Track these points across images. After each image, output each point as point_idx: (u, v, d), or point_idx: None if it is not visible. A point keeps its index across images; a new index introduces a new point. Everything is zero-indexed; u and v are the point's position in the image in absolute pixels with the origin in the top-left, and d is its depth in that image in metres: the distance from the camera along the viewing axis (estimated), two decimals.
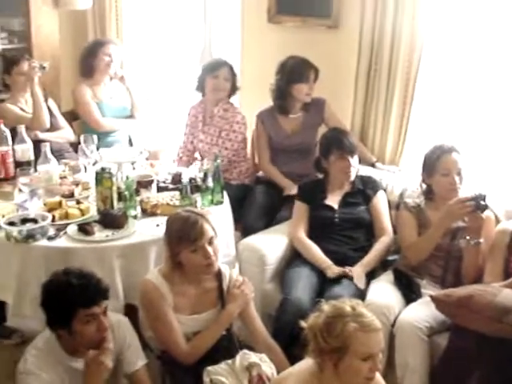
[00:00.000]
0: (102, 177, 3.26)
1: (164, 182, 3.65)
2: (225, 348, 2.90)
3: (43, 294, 2.56)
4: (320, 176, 3.85)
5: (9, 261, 3.03)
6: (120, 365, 2.72)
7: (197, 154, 4.47)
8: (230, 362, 2.77)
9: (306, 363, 2.46)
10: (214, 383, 2.69)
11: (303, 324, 2.40)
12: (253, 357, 2.79)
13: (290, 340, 3.08)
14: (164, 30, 5.35)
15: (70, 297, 2.48)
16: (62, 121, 4.53)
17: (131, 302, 3.07)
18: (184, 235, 2.78)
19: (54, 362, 2.57)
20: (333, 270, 3.39)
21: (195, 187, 3.46)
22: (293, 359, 2.77)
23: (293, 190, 3.95)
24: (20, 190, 3.50)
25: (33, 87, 4.22)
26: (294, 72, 4.10)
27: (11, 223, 3.07)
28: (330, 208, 3.64)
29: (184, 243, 2.79)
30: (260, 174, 4.44)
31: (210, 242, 2.81)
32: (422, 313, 3.01)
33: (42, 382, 2.49)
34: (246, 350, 2.84)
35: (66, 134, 4.53)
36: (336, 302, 2.39)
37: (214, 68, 4.30)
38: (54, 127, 4.40)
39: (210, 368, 2.72)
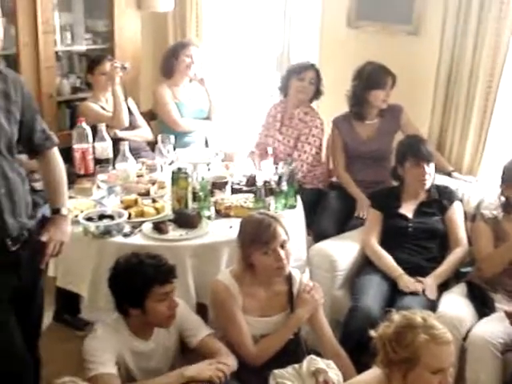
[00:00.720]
0: (178, 177, 3.30)
1: (238, 184, 3.67)
2: (292, 352, 2.91)
3: (115, 276, 2.67)
4: (395, 184, 3.80)
5: (85, 255, 3.12)
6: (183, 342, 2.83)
7: (269, 151, 4.45)
8: (296, 366, 2.76)
9: (374, 373, 2.44)
10: None
11: (372, 333, 2.37)
12: (320, 363, 2.78)
13: (357, 347, 3.04)
14: (243, 32, 5.38)
15: (145, 276, 2.60)
16: (140, 120, 4.63)
17: (202, 301, 3.11)
18: (257, 237, 2.81)
19: (118, 339, 2.68)
20: (405, 280, 3.34)
21: (269, 190, 3.47)
22: (359, 367, 2.76)
23: (364, 211, 3.92)
24: (98, 187, 3.59)
25: (114, 86, 4.32)
26: (371, 78, 4.07)
27: (89, 219, 3.16)
28: (404, 217, 3.60)
29: (256, 245, 2.81)
30: (334, 179, 4.41)
31: (283, 246, 2.82)
32: (496, 328, 2.94)
33: (105, 346, 2.61)
34: (313, 356, 2.83)
35: (144, 133, 4.62)
36: (407, 313, 2.35)
37: (301, 70, 4.30)
38: (132, 126, 4.50)
39: (276, 371, 2.73)
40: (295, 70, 4.35)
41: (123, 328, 2.71)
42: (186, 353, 2.89)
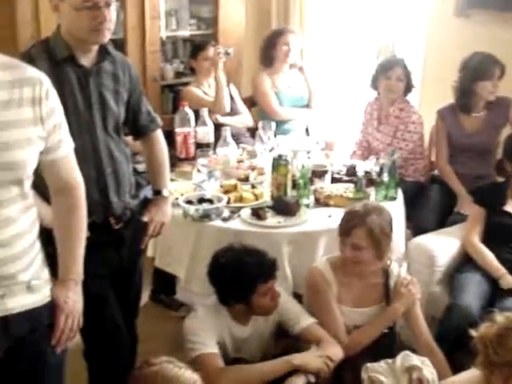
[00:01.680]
0: (278, 163, 3.29)
1: (338, 174, 3.63)
2: (386, 346, 2.87)
3: (216, 272, 2.70)
4: (500, 180, 3.66)
5: (184, 238, 3.16)
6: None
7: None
8: (390, 361, 2.71)
9: (472, 374, 2.36)
10: (371, 380, 2.64)
11: (473, 333, 2.29)
12: (415, 359, 2.71)
13: (453, 346, 2.97)
14: (346, 20, 5.30)
15: (248, 275, 2.62)
16: (241, 106, 4.64)
17: (296, 291, 3.09)
18: (346, 226, 2.81)
19: (219, 322, 2.72)
20: (508, 280, 3.22)
21: (370, 181, 3.42)
22: (454, 366, 2.70)
23: (465, 207, 3.80)
24: (198, 171, 3.63)
25: (216, 72, 4.35)
26: (478, 69, 3.93)
27: (189, 202, 3.19)
28: (510, 215, 3.46)
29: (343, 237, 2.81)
30: (435, 172, 4.30)
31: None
32: None
33: (207, 327, 2.65)
34: (407, 352, 2.76)
35: (244, 119, 4.64)
36: (510, 314, 2.26)
37: (387, 68, 4.20)
38: (233, 112, 4.52)
39: (369, 365, 2.68)
40: (381, 68, 4.25)
41: (223, 312, 2.75)
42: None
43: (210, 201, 3.21)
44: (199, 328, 2.65)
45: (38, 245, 1.89)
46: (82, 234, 2.01)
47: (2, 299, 1.78)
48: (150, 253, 3.37)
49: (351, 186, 3.41)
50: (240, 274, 2.64)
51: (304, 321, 2.80)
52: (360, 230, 2.78)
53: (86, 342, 2.58)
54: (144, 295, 3.24)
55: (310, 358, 2.61)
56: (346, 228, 2.82)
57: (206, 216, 3.12)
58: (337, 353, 2.73)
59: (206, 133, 3.87)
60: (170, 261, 3.31)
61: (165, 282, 3.91)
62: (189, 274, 3.15)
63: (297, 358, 2.61)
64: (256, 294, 2.65)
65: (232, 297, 2.71)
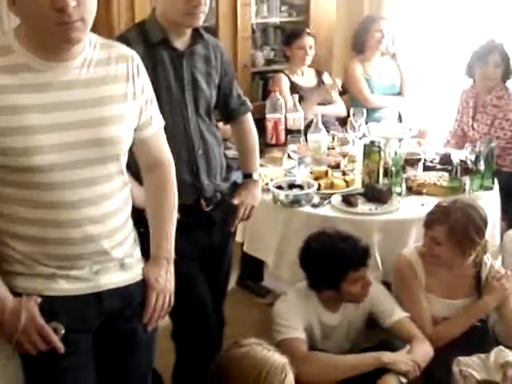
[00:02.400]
0: (370, 150, 3.23)
1: (431, 162, 3.54)
2: (478, 340, 2.78)
3: (307, 257, 2.69)
4: None
5: (273, 223, 3.14)
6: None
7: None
8: (483, 356, 2.64)
9: None
10: (463, 375, 2.56)
11: None
12: (510, 355, 2.62)
13: None
14: (440, 5, 5.13)
15: (340, 262, 2.60)
16: (335, 95, 4.56)
17: (386, 280, 3.03)
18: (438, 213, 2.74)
19: (309, 307, 2.71)
20: None
21: (465, 170, 3.31)
22: None
23: None
24: (289, 157, 3.60)
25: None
26: None
27: (279, 187, 3.17)
28: None
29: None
30: None
31: None
32: None
33: (296, 312, 2.65)
34: (502, 347, 2.69)
35: (338, 108, 4.57)
36: None
37: (483, 55, 4.05)
38: (327, 101, 4.46)
39: (461, 358, 2.62)
40: (477, 55, 4.11)
41: (313, 297, 2.73)
42: None
43: (301, 186, 3.18)
44: (288, 312, 2.65)
45: (130, 222, 1.91)
46: (173, 212, 2.02)
47: (96, 275, 1.80)
48: (238, 238, 3.37)
49: (445, 174, 3.32)
50: (332, 260, 2.61)
51: (396, 314, 2.74)
52: (441, 227, 2.71)
53: (175, 322, 2.59)
54: (231, 281, 3.25)
55: (400, 359, 2.54)
56: (428, 220, 2.77)
57: (295, 202, 3.09)
58: (428, 352, 2.65)
59: (297, 119, 3.83)
60: (258, 246, 3.30)
61: (252, 268, 3.92)
62: (277, 260, 3.13)
63: (387, 357, 2.54)
64: (347, 281, 2.61)
65: (322, 282, 2.68)
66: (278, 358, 1.86)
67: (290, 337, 2.56)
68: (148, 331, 1.96)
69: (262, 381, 1.80)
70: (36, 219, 1.71)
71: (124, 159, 1.84)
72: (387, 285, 2.97)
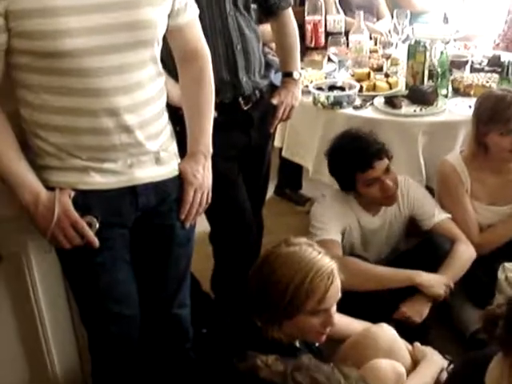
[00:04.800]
0: (415, 50, 3.08)
1: (479, 64, 3.38)
2: None
3: (328, 159, 2.62)
4: None
5: (313, 126, 3.05)
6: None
7: None
8: None
9: None
10: (509, 281, 2.49)
11: None
12: None
13: None
14: None
15: (345, 163, 2.53)
16: (384, 8, 4.31)
17: (430, 185, 2.93)
18: (496, 115, 2.58)
19: (347, 209, 2.65)
20: None
21: None
22: None
23: None
24: (329, 60, 3.47)
25: None
26: None
27: (319, 89, 3.06)
28: None
29: (494, 124, 2.59)
30: None
31: None
32: None
33: (333, 214, 2.60)
34: None
35: (384, 24, 4.34)
36: None
37: None
38: (379, 15, 4.24)
39: (507, 265, 2.55)
40: None
41: (352, 199, 2.66)
42: None
43: (342, 88, 3.07)
44: (324, 214, 2.60)
45: (166, 115, 1.84)
46: (211, 106, 1.93)
47: (130, 168, 1.75)
48: (277, 142, 3.30)
49: (494, 75, 3.17)
50: (338, 161, 2.57)
51: (438, 216, 2.68)
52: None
53: (212, 224, 2.57)
54: (269, 189, 3.19)
55: (434, 282, 2.48)
56: (508, 114, 2.57)
57: (336, 103, 2.98)
58: (471, 254, 2.61)
59: (338, 21, 3.65)
60: (297, 150, 3.23)
61: (291, 176, 3.86)
62: (317, 164, 3.04)
63: (421, 277, 2.48)
64: (359, 184, 2.54)
65: (340, 184, 2.63)
66: (327, 263, 1.79)
67: (323, 238, 2.49)
68: (185, 228, 1.91)
69: (308, 283, 1.73)
70: (66, 108, 1.64)
71: (158, 48, 1.74)
72: (430, 190, 2.89)
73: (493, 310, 1.61)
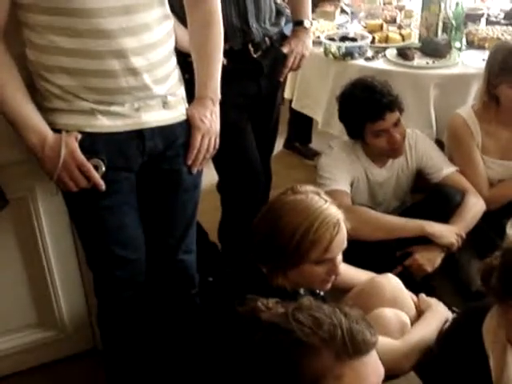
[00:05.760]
0: (429, 1, 3.03)
1: (496, 18, 3.33)
2: None
3: (338, 105, 2.59)
4: None
5: (324, 77, 3.02)
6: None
7: None
8: None
9: None
10: None
11: None
12: None
13: None
14: None
15: (356, 111, 2.50)
16: None
17: (440, 139, 2.91)
18: (507, 66, 2.54)
19: (355, 161, 2.63)
20: None
21: None
22: None
23: None
24: (342, 11, 3.42)
25: None
26: None
27: (331, 39, 3.03)
28: None
29: (506, 76, 2.55)
30: None
31: None
32: None
33: (341, 165, 2.57)
34: None
35: None
36: None
37: None
38: None
39: None
40: None
41: (359, 150, 2.63)
42: None
43: (353, 39, 3.04)
44: (332, 164, 2.57)
45: (174, 59, 1.82)
46: (219, 50, 1.90)
47: (137, 112, 1.73)
48: (287, 94, 3.27)
49: (510, 28, 3.12)
50: (349, 109, 2.54)
51: (446, 168, 2.66)
52: None
53: (220, 173, 2.56)
54: (278, 143, 3.17)
55: (445, 232, 2.47)
56: None
57: (348, 54, 2.95)
58: (480, 207, 2.59)
59: None
60: (307, 102, 3.20)
61: (300, 130, 3.83)
62: (327, 116, 3.03)
63: (432, 227, 2.46)
64: (368, 134, 2.51)
65: (348, 132, 2.60)
66: (334, 212, 1.76)
67: (332, 189, 2.47)
68: (192, 173, 1.89)
69: (313, 232, 1.71)
70: (73, 49, 1.62)
71: None
72: (440, 144, 2.86)
73: (490, 261, 1.61)
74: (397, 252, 2.50)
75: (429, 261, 2.47)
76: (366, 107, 2.46)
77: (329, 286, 1.84)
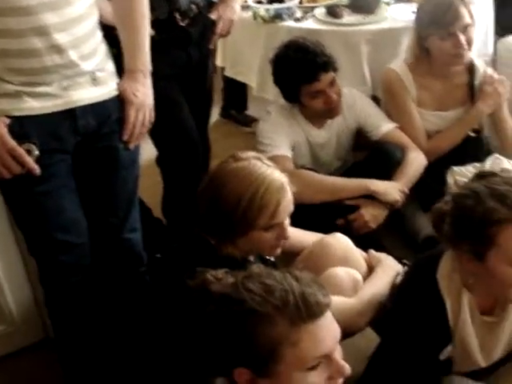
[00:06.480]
0: None
1: None
2: (472, 152, 2.73)
3: (272, 68, 2.57)
4: None
5: (255, 41, 2.99)
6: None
7: None
8: (478, 165, 2.60)
9: None
10: (458, 185, 2.51)
11: None
12: (505, 163, 2.57)
13: None
14: None
15: (290, 74, 2.48)
16: None
17: (376, 94, 2.92)
18: (435, 18, 2.55)
19: (294, 124, 2.61)
20: None
21: None
22: None
23: None
24: None
25: None
26: None
27: (259, 2, 3.01)
28: None
29: (434, 27, 2.56)
30: None
31: (464, 30, 2.55)
32: None
33: (280, 130, 2.56)
34: (497, 155, 2.65)
35: None
36: None
37: None
38: None
39: (455, 168, 2.58)
40: None
41: (297, 113, 2.62)
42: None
43: (281, 1, 3.01)
44: (272, 130, 2.56)
45: (99, 34, 1.76)
46: (145, 20, 1.84)
47: (66, 91, 1.67)
48: (219, 61, 3.23)
49: None
50: (283, 71, 2.52)
51: (385, 125, 2.67)
52: (463, 10, 2.54)
53: (158, 147, 2.53)
54: (214, 112, 3.13)
55: (389, 189, 2.49)
56: (448, 17, 2.53)
57: (277, 16, 2.92)
58: (421, 161, 2.62)
59: None
60: (240, 69, 3.17)
61: (235, 97, 3.80)
62: (261, 81, 3.00)
63: (376, 185, 2.49)
64: (304, 96, 2.51)
65: (284, 95, 2.58)
66: (278, 176, 1.74)
67: (273, 154, 2.45)
68: (130, 149, 1.85)
69: (260, 198, 1.69)
70: None
71: None
72: (376, 100, 2.87)
73: (440, 206, 1.63)
74: (346, 201, 2.50)
75: (373, 217, 2.49)
76: (300, 69, 2.44)
77: (279, 251, 1.83)
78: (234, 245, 1.76)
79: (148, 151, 2.45)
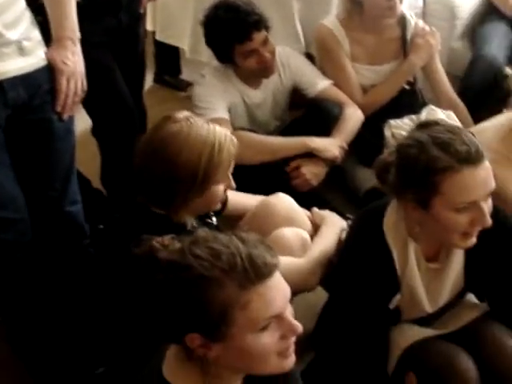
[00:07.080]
0: None
1: None
2: (408, 104, 2.76)
3: (204, 30, 2.53)
4: None
5: (184, 3, 2.95)
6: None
7: None
8: (414, 117, 2.62)
9: (506, 117, 2.24)
10: (395, 137, 2.54)
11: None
12: (439, 113, 2.61)
13: (476, 102, 2.86)
14: None
15: (222, 34, 2.45)
16: None
17: (310, 52, 2.91)
18: None
19: (229, 86, 2.59)
20: None
21: None
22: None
23: None
24: None
25: None
26: None
27: None
28: None
29: None
30: None
31: None
32: None
33: (216, 93, 2.53)
34: (432, 106, 2.68)
35: None
36: None
37: None
38: None
39: (392, 121, 2.60)
40: None
41: (232, 74, 2.59)
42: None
43: None
44: (207, 93, 2.53)
45: (22, 1, 1.68)
46: None
47: None
48: (149, 26, 3.15)
49: None
50: (215, 32, 2.49)
51: (320, 82, 2.67)
52: None
53: (93, 116, 2.47)
54: (148, 79, 3.06)
55: (328, 145, 2.51)
56: None
57: None
58: (358, 117, 2.64)
59: None
60: (171, 32, 3.13)
61: (168, 62, 3.72)
62: (193, 43, 2.97)
63: (314, 142, 2.50)
64: (238, 56, 2.48)
65: (218, 57, 2.56)
66: (221, 130, 1.71)
67: (211, 117, 2.39)
68: (64, 120, 1.79)
69: (217, 153, 1.65)
70: None
71: None
72: (311, 58, 2.86)
73: (384, 158, 1.64)
74: (285, 167, 2.51)
75: (314, 175, 2.50)
76: (232, 28, 2.41)
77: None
78: (186, 209, 1.72)
79: (82, 122, 2.39)
